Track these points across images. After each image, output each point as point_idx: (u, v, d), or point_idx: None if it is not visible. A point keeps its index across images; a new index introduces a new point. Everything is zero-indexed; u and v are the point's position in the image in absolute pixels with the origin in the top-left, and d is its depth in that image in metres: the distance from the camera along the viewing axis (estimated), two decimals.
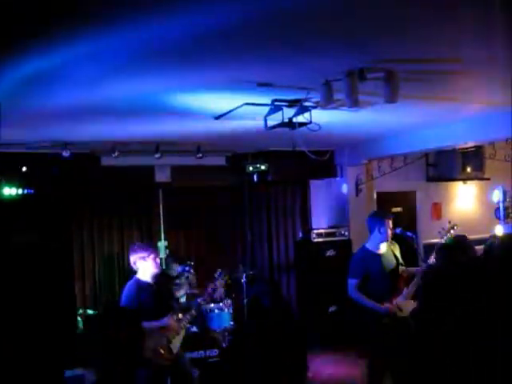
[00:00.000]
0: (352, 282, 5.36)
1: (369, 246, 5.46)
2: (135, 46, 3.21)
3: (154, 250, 5.35)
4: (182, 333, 5.30)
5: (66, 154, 6.61)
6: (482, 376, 2.83)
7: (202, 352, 6.44)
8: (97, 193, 7.54)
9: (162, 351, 5.07)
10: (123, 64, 3.55)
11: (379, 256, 5.39)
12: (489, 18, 2.94)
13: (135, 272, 5.24)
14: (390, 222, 5.43)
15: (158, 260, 5.28)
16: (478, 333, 2.90)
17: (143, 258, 5.18)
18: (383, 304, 5.25)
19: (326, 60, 3.58)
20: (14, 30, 2.82)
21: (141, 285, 5.19)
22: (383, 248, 5.42)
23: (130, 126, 5.74)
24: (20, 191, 6.62)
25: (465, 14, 2.92)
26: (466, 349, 2.90)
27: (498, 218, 6.10)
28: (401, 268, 5.43)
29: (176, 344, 5.21)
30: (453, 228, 5.42)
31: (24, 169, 6.55)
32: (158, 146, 7.02)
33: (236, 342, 6.18)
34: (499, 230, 5.56)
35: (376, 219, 5.47)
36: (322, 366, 7.24)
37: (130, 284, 5.23)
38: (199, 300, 5.53)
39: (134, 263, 5.20)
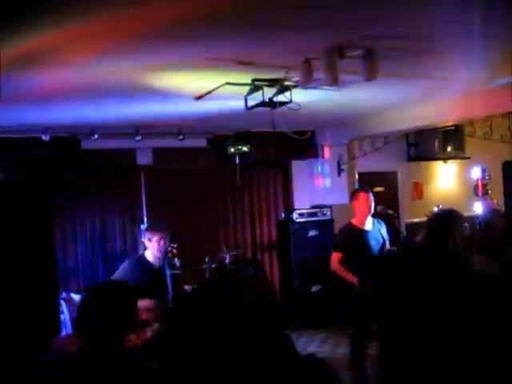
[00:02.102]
0: (336, 255, 5.41)
1: (354, 221, 5.52)
2: (114, 27, 3.18)
3: (161, 232, 5.34)
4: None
5: (45, 137, 6.56)
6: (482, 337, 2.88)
7: None
8: (78, 176, 7.48)
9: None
10: (102, 45, 3.52)
11: (364, 232, 5.44)
12: None
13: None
14: (367, 195, 5.47)
15: (163, 243, 5.28)
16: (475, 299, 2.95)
17: (149, 240, 5.27)
18: None
19: (306, 38, 3.58)
20: None
21: (142, 262, 5.24)
22: (369, 225, 5.48)
23: (110, 107, 5.70)
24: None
25: None
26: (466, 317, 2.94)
27: (477, 196, 6.17)
28: (386, 247, 5.50)
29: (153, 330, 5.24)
30: None
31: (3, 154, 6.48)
32: (139, 129, 6.98)
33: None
34: (478, 207, 5.65)
35: (352, 196, 5.61)
36: (306, 344, 7.32)
37: (131, 258, 5.37)
38: None
39: (144, 242, 5.34)
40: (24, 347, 3.22)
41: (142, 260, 5.30)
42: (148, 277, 5.19)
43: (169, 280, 5.31)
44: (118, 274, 5.23)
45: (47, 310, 3.10)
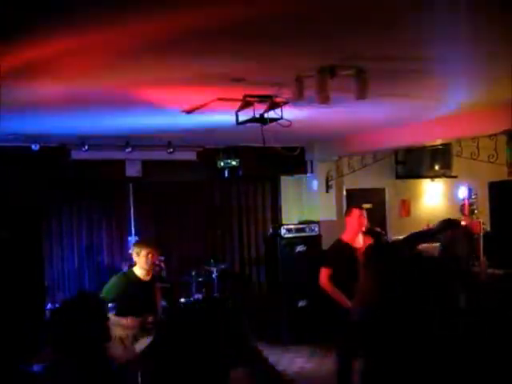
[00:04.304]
0: (325, 271, 5.43)
1: (345, 237, 5.55)
2: (110, 41, 3.20)
3: (149, 246, 5.38)
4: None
5: (35, 147, 6.55)
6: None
7: None
8: (66, 187, 7.47)
9: (121, 349, 5.07)
10: (95, 59, 3.54)
11: (355, 249, 5.46)
12: (458, 18, 3.02)
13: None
14: (360, 212, 5.51)
15: (151, 257, 5.31)
16: None
17: (137, 254, 5.31)
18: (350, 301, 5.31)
19: (299, 56, 3.62)
20: None
21: (129, 277, 5.31)
22: (359, 242, 5.50)
23: (100, 119, 5.70)
24: None
25: (436, 13, 2.98)
26: None
27: (464, 215, 6.22)
28: None
29: (142, 345, 5.21)
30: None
31: None
32: (129, 141, 6.99)
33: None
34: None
35: (346, 211, 5.67)
36: (293, 359, 7.31)
37: (118, 274, 5.46)
38: None
39: (132, 257, 5.42)
40: (10, 358, 3.20)
41: (129, 275, 5.33)
42: (136, 291, 5.20)
43: (158, 293, 5.31)
44: (105, 290, 5.24)
45: (34, 321, 3.08)
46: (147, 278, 5.35)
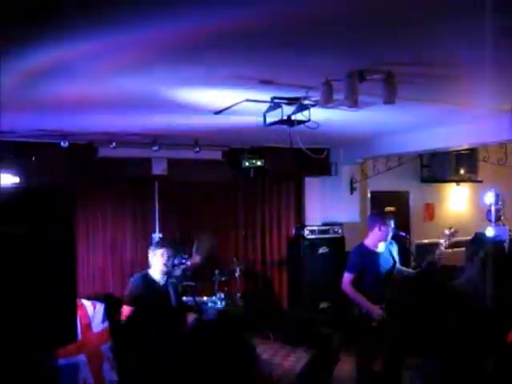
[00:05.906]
0: (348, 276, 5.43)
1: (367, 243, 5.53)
2: (139, 42, 3.26)
3: (164, 246, 5.38)
4: None
5: (64, 144, 6.66)
6: None
7: None
8: (93, 183, 7.56)
9: None
10: (126, 58, 3.59)
11: (377, 254, 5.46)
12: (484, 24, 3.00)
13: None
14: (392, 223, 5.49)
15: (166, 257, 5.25)
16: None
17: (153, 252, 5.30)
18: (374, 305, 5.30)
19: (328, 60, 3.64)
20: (18, 20, 2.85)
21: (147, 280, 5.26)
22: (381, 247, 5.50)
23: (129, 118, 5.77)
24: (17, 180, 6.62)
25: (464, 19, 2.98)
26: None
27: (490, 220, 6.17)
28: (397, 268, 5.52)
29: None
30: (453, 235, 5.40)
31: (33, 158, 6.57)
32: (156, 139, 7.06)
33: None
34: (490, 232, 5.66)
35: (378, 218, 5.55)
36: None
37: (136, 276, 5.38)
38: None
39: (149, 259, 5.36)
40: (38, 352, 3.26)
41: (147, 278, 5.29)
42: (152, 294, 5.17)
43: (173, 297, 5.27)
44: (128, 293, 5.24)
45: (65, 314, 3.15)
46: (162, 281, 5.30)
